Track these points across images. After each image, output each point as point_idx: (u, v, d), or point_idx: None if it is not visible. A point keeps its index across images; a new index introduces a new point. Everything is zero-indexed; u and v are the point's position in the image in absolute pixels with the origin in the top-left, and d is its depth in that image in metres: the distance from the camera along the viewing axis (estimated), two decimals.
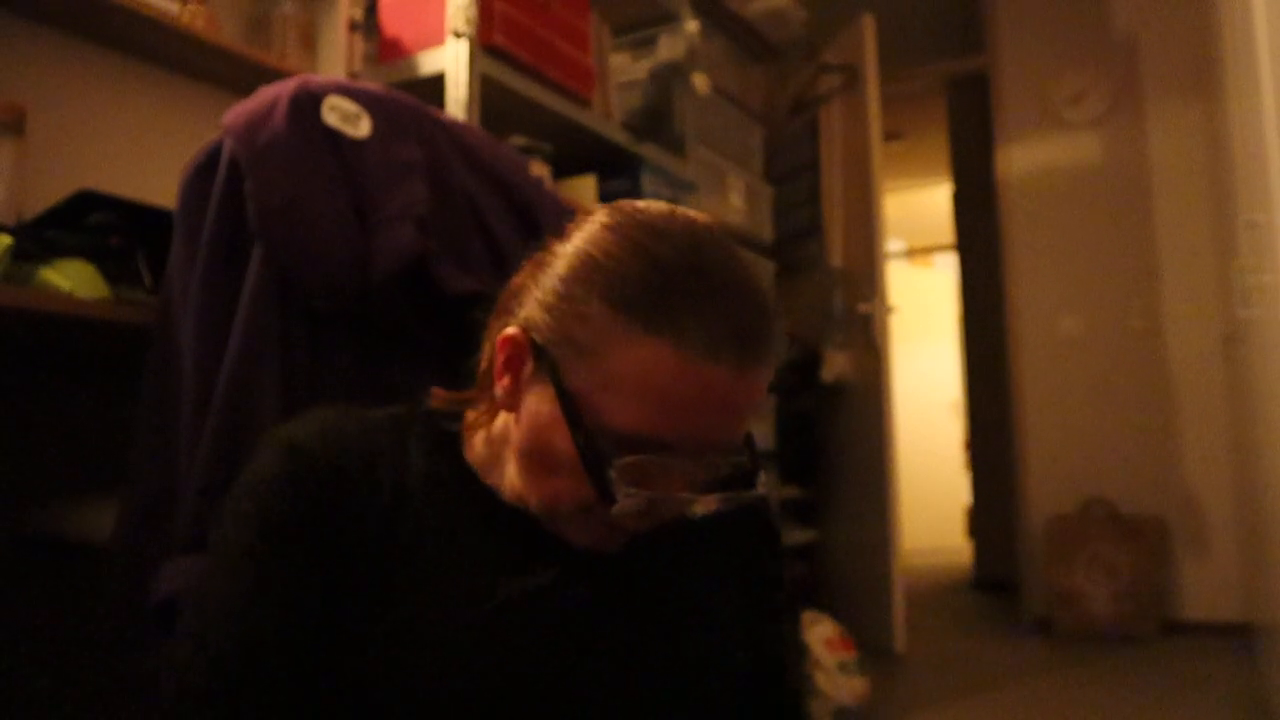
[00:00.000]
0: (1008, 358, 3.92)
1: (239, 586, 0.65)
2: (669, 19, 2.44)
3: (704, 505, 0.63)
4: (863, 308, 3.27)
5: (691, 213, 0.68)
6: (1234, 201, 2.53)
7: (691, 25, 2.43)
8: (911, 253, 7.47)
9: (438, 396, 0.78)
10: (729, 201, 2.96)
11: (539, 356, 0.65)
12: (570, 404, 0.62)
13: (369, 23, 1.88)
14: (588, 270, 0.63)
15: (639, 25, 2.46)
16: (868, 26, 3.39)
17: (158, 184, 1.57)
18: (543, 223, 1.20)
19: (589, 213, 0.70)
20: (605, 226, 0.65)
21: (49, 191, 1.33)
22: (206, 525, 0.93)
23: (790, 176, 3.67)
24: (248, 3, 1.95)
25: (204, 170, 1.04)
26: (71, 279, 1.10)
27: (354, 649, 0.65)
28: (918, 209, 6.72)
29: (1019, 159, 3.95)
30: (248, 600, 0.65)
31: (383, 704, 0.64)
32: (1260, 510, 2.47)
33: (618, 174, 2.13)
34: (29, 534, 1.39)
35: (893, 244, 6.89)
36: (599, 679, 0.68)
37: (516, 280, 0.72)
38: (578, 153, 2.06)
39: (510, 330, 0.67)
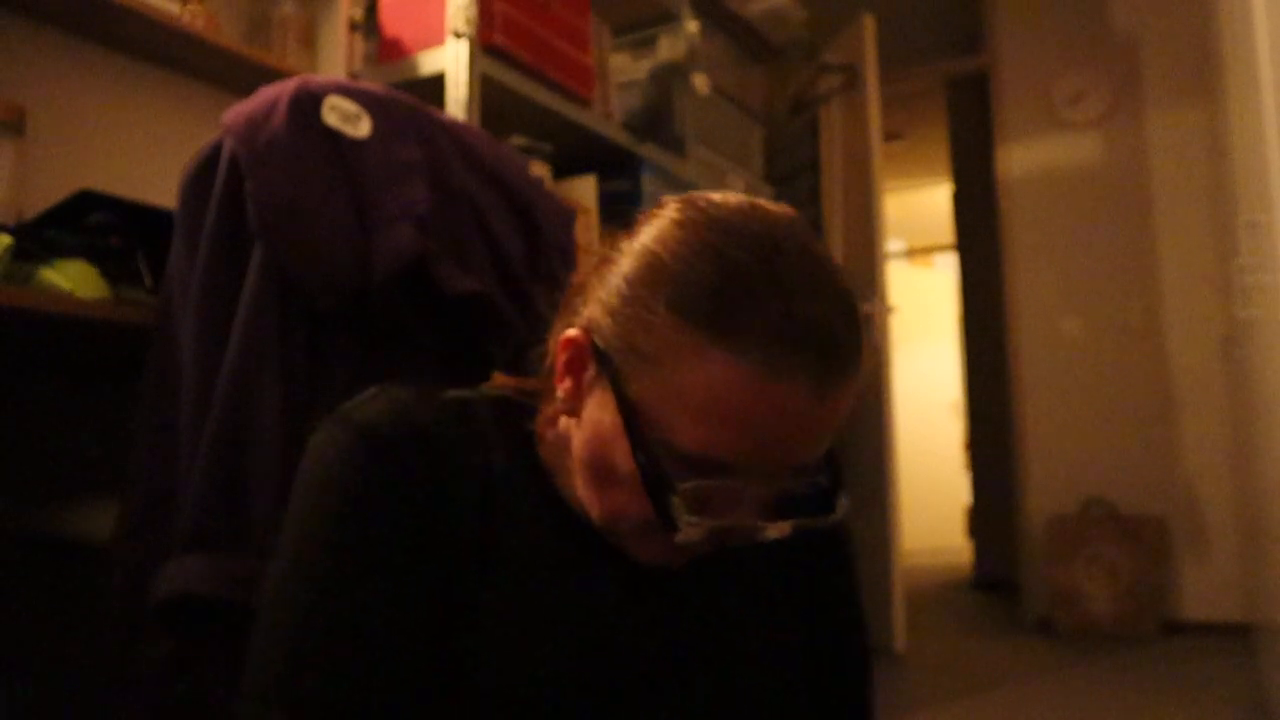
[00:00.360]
0: (1008, 358, 3.92)
1: (327, 588, 0.60)
2: (669, 19, 2.44)
3: (776, 531, 0.58)
4: (863, 308, 3.26)
5: (771, 206, 0.61)
6: (1234, 201, 2.53)
7: (691, 25, 2.43)
8: (911, 253, 7.47)
9: (502, 383, 0.75)
10: None
11: (601, 362, 0.60)
12: (632, 417, 0.57)
13: (369, 23, 1.88)
14: (653, 272, 0.58)
15: (639, 25, 2.46)
16: (868, 26, 3.39)
17: (158, 184, 1.57)
18: (542, 223, 1.21)
19: (662, 204, 0.64)
20: (675, 223, 0.60)
21: (49, 191, 1.33)
22: (207, 525, 0.94)
23: (790, 176, 3.67)
24: (248, 3, 1.95)
25: (204, 170, 1.04)
26: (71, 279, 1.10)
27: (439, 650, 0.62)
28: (918, 209, 6.72)
29: (1019, 159, 3.95)
30: (338, 601, 0.60)
31: (460, 710, 0.61)
32: (1260, 510, 2.47)
33: (618, 174, 2.13)
34: (29, 534, 1.39)
35: (893, 244, 6.89)
36: (665, 694, 0.66)
37: (580, 276, 0.67)
38: (578, 153, 2.06)
39: (572, 331, 0.63)
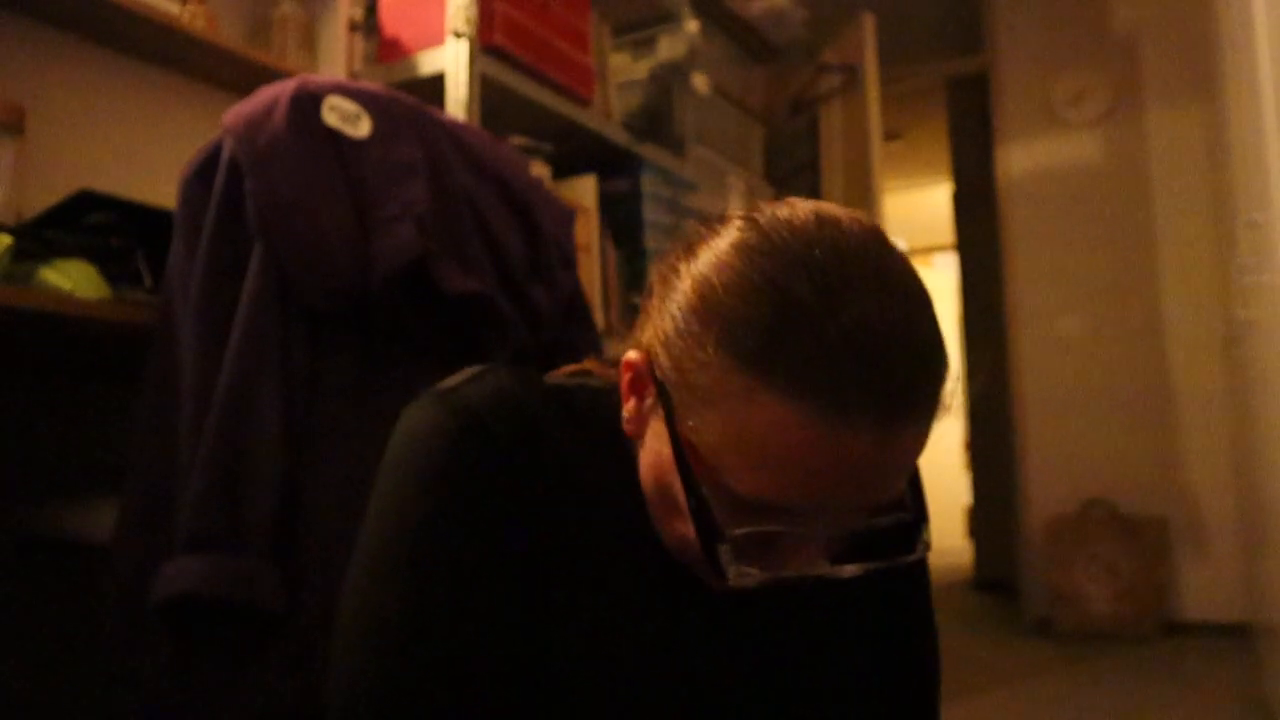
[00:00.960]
0: (1008, 358, 3.92)
1: (421, 598, 0.57)
2: (669, 19, 2.44)
3: (844, 573, 0.55)
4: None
5: (845, 222, 0.55)
6: (1234, 201, 2.53)
7: (691, 25, 2.43)
8: (911, 253, 7.45)
9: (590, 366, 0.71)
10: (729, 201, 2.95)
11: (659, 392, 0.57)
12: (683, 457, 0.54)
13: (369, 23, 1.88)
14: (706, 305, 0.53)
15: (639, 25, 2.46)
16: (868, 26, 3.39)
17: (158, 184, 1.57)
18: (542, 223, 1.21)
19: (725, 221, 0.58)
20: (733, 246, 0.54)
21: (49, 191, 1.33)
22: (207, 525, 0.94)
23: (790, 176, 3.67)
24: (248, 3, 1.95)
25: (204, 170, 1.04)
26: (71, 279, 1.10)
27: (527, 663, 0.60)
28: (918, 209, 6.72)
29: (1019, 159, 3.95)
30: (431, 614, 0.57)
31: (536, 713, 0.59)
32: (1260, 510, 2.47)
33: (618, 174, 2.13)
34: (29, 534, 1.39)
35: None
36: (738, 711, 0.65)
37: (647, 295, 0.62)
38: (578, 153, 2.06)
39: (632, 354, 0.60)
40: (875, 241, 0.55)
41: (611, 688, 0.61)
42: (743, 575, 0.54)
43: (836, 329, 0.50)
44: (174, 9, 1.66)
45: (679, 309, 0.55)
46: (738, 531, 0.53)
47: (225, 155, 1.02)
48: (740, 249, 0.54)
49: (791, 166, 3.68)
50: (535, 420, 0.62)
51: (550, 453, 0.62)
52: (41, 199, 1.29)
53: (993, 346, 4.24)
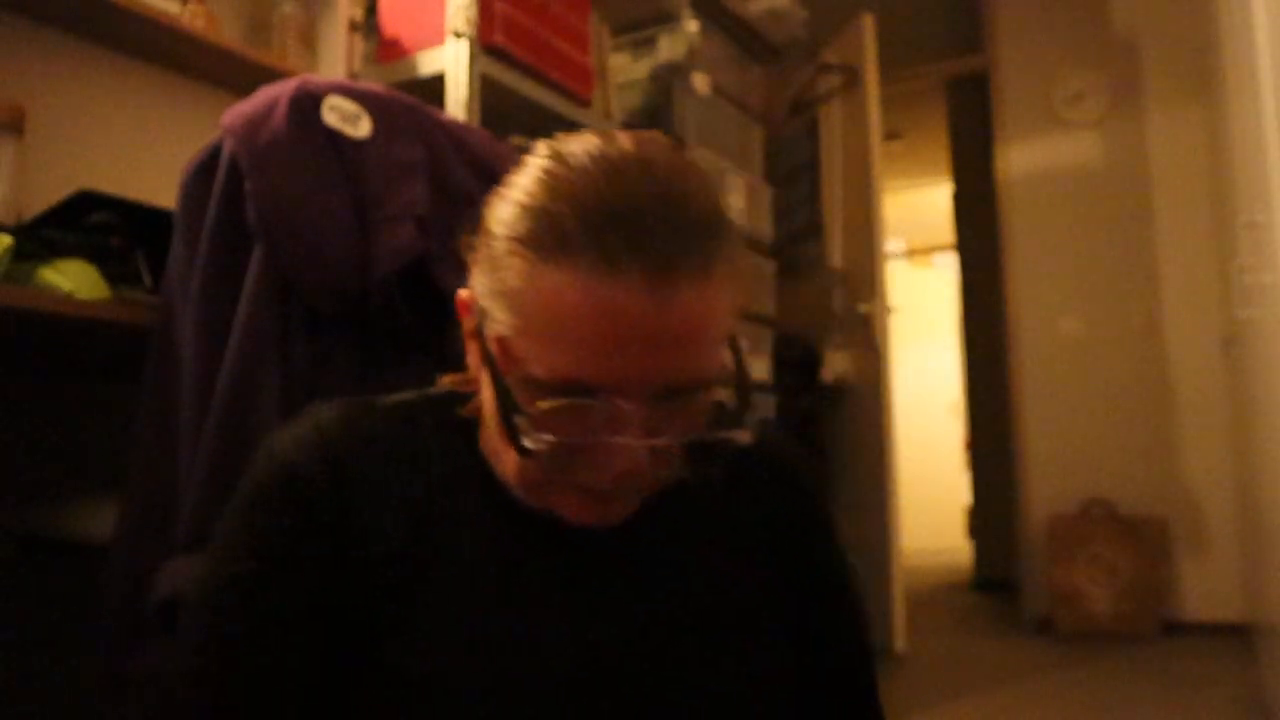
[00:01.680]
0: (1008, 358, 3.92)
1: (229, 615, 0.60)
2: (669, 19, 2.44)
3: (642, 446, 0.56)
4: (863, 308, 3.27)
5: (626, 135, 0.60)
6: (1234, 201, 2.53)
7: (691, 25, 2.43)
8: (911, 253, 7.47)
9: (446, 381, 0.74)
10: (729, 201, 2.95)
11: (474, 310, 0.62)
12: (489, 354, 0.59)
13: (369, 23, 1.88)
14: (504, 213, 0.59)
15: (639, 25, 2.46)
16: (868, 26, 3.39)
17: (158, 184, 1.57)
18: None
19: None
20: (528, 164, 0.60)
21: (49, 191, 1.33)
22: (207, 525, 0.94)
23: (790, 176, 3.67)
24: (248, 3, 1.95)
25: (204, 170, 1.04)
26: (71, 279, 1.10)
27: (376, 656, 0.62)
28: (918, 209, 6.72)
29: (1019, 159, 3.95)
30: (238, 629, 0.60)
31: (407, 709, 0.60)
32: (1260, 510, 2.47)
33: None
34: (29, 534, 1.39)
35: (893, 244, 6.89)
36: (628, 673, 0.64)
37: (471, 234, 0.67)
38: None
39: (460, 292, 0.64)
40: (652, 143, 0.59)
41: (476, 669, 0.61)
42: (538, 442, 0.56)
43: (601, 200, 0.54)
44: (174, 9, 1.66)
45: (485, 228, 0.60)
46: (542, 405, 0.56)
47: (225, 155, 1.02)
48: (529, 161, 0.60)
49: (791, 166, 3.68)
50: (357, 439, 0.65)
51: (367, 474, 0.64)
52: (41, 199, 1.29)
53: (993, 346, 4.24)
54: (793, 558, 0.73)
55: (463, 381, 0.72)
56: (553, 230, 0.55)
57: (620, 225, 0.54)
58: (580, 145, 0.59)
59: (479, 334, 0.61)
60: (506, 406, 0.57)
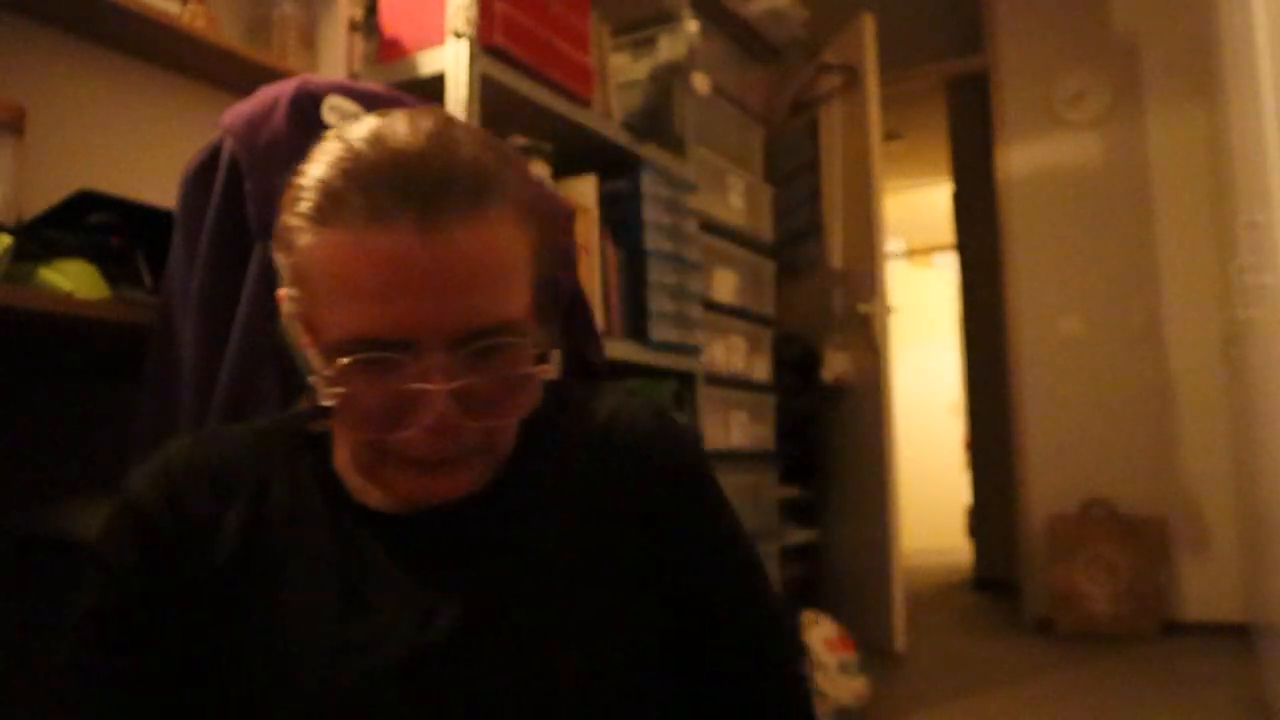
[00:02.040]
0: (1008, 358, 3.92)
1: (88, 647, 0.64)
2: (669, 19, 2.44)
3: (453, 385, 0.57)
4: (863, 308, 3.27)
5: (415, 108, 0.63)
6: (1234, 201, 2.53)
7: (691, 25, 2.43)
8: (911, 253, 7.47)
9: (306, 400, 0.75)
10: (729, 201, 2.96)
11: (286, 302, 0.64)
12: (287, 334, 0.61)
13: (369, 23, 1.88)
14: (291, 198, 0.61)
15: (639, 25, 2.46)
16: (868, 26, 3.39)
17: (158, 184, 1.57)
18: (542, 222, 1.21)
19: None
20: (314, 151, 0.62)
21: (49, 191, 1.33)
22: None
23: (790, 176, 3.67)
24: (248, 3, 1.95)
25: (204, 170, 1.05)
26: (71, 279, 1.10)
27: (225, 679, 0.64)
28: (918, 209, 6.72)
29: (1019, 159, 3.95)
30: (94, 659, 0.64)
31: None
32: (1260, 510, 2.47)
33: (618, 174, 2.13)
34: (29, 534, 1.39)
35: (893, 244, 6.89)
36: (467, 663, 0.63)
37: None
38: (578, 153, 2.06)
39: (279, 291, 0.65)
40: (424, 110, 0.62)
41: (323, 676, 0.62)
42: (334, 396, 0.58)
43: (370, 163, 0.57)
44: (174, 9, 1.66)
45: (281, 221, 0.62)
46: (341, 361, 0.57)
47: (225, 155, 1.02)
48: (315, 148, 0.62)
49: (791, 166, 3.68)
50: (200, 473, 0.68)
51: (219, 495, 0.68)
52: (41, 199, 1.29)
53: (993, 346, 4.24)
54: (661, 531, 0.70)
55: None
56: (328, 197, 0.57)
57: (387, 180, 0.56)
58: (357, 124, 0.61)
59: (284, 314, 0.63)
60: (309, 372, 0.59)
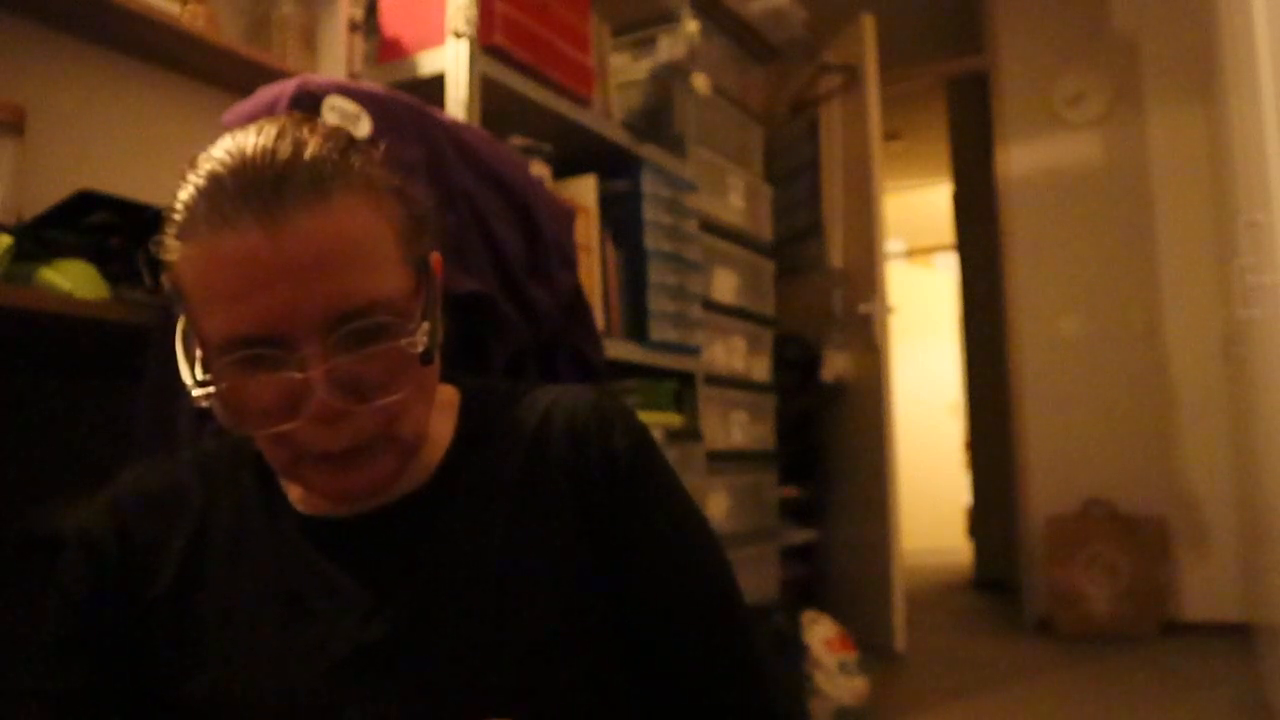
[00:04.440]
0: (1008, 358, 3.92)
1: (45, 673, 0.67)
2: (669, 19, 2.44)
3: (337, 364, 0.58)
4: (863, 308, 3.27)
5: (270, 118, 0.64)
6: (1234, 201, 2.53)
7: (691, 25, 2.43)
8: (911, 253, 7.47)
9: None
10: (729, 201, 2.96)
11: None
12: (185, 344, 0.63)
13: (369, 23, 1.88)
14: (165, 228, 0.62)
15: (639, 25, 2.46)
16: (868, 26, 3.39)
17: (158, 184, 1.57)
18: (542, 223, 1.21)
19: None
20: None
21: (49, 191, 1.33)
22: None
23: (790, 176, 3.67)
24: (248, 3, 1.95)
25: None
26: (71, 279, 1.10)
27: (176, 696, 0.66)
28: (918, 209, 6.72)
29: (1019, 159, 3.95)
30: (50, 686, 0.66)
31: None
32: (1260, 510, 2.47)
33: (618, 174, 2.13)
34: (29, 534, 1.39)
35: (893, 244, 6.89)
36: (409, 662, 0.63)
37: None
38: (578, 153, 2.06)
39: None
40: (279, 117, 0.63)
41: (263, 685, 0.64)
42: (205, 398, 0.59)
43: (216, 173, 0.58)
44: (174, 9, 1.66)
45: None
46: (224, 359, 0.59)
47: None
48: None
49: (791, 166, 3.68)
50: (148, 500, 0.71)
51: (166, 520, 0.70)
52: (41, 199, 1.29)
53: (993, 346, 4.24)
54: (600, 522, 0.68)
55: None
56: (183, 214, 0.59)
57: (230, 186, 0.57)
58: (228, 137, 0.62)
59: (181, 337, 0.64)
60: (190, 371, 0.61)
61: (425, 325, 0.60)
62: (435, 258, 0.69)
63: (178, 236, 0.60)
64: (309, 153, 0.59)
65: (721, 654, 0.70)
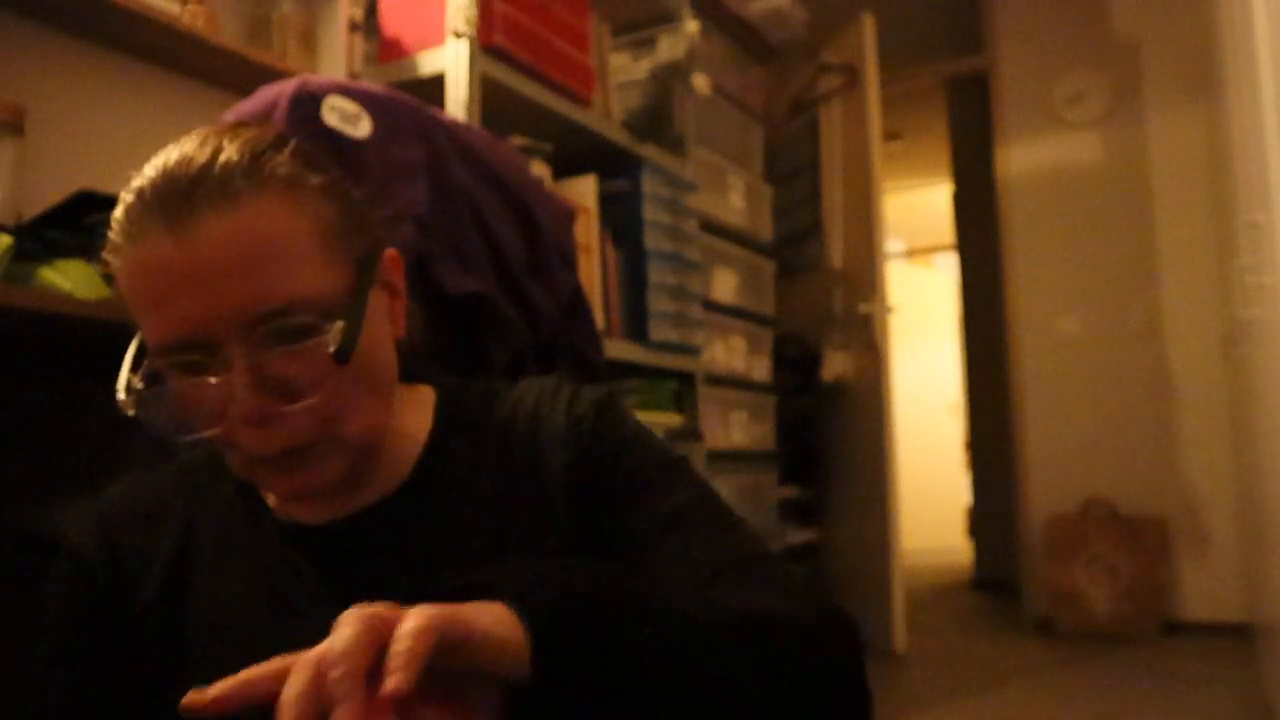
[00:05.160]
0: (1008, 358, 3.92)
1: (44, 683, 0.70)
2: (669, 19, 2.44)
3: (263, 362, 0.59)
4: (863, 308, 3.27)
5: (202, 129, 0.65)
6: (1234, 201, 2.53)
7: (691, 25, 2.43)
8: (911, 253, 7.47)
9: None
10: (729, 201, 2.96)
11: None
12: (126, 359, 0.64)
13: (369, 23, 1.88)
14: None
15: (639, 25, 2.46)
16: (868, 26, 3.39)
17: None
18: (542, 223, 1.21)
19: None
20: None
21: (49, 191, 1.33)
22: None
23: (790, 176, 3.67)
24: (248, 3, 1.95)
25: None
26: (71, 279, 1.10)
27: (168, 703, 0.66)
28: (918, 209, 6.72)
29: (1019, 159, 3.95)
30: (48, 695, 0.70)
31: None
32: (1260, 510, 2.47)
33: (618, 174, 2.13)
34: (29, 534, 1.39)
35: (893, 244, 6.89)
36: None
37: None
38: (578, 153, 2.06)
39: None
40: (209, 127, 0.65)
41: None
42: (130, 405, 0.61)
43: (136, 191, 0.60)
44: (174, 9, 1.66)
45: None
46: (157, 365, 0.60)
47: None
48: None
49: (791, 166, 3.68)
50: (138, 512, 0.72)
51: (151, 528, 0.71)
52: (41, 199, 1.29)
53: (993, 346, 4.24)
54: (578, 483, 0.68)
55: None
56: (115, 229, 0.60)
57: (144, 200, 0.59)
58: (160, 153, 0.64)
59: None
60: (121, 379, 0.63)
61: (339, 325, 0.59)
62: (390, 254, 0.68)
63: (111, 251, 0.61)
64: (222, 158, 0.60)
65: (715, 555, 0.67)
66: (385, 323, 0.68)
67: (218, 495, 0.73)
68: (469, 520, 0.69)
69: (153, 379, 0.60)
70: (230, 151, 0.60)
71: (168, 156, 0.61)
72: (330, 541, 0.68)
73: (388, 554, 0.67)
